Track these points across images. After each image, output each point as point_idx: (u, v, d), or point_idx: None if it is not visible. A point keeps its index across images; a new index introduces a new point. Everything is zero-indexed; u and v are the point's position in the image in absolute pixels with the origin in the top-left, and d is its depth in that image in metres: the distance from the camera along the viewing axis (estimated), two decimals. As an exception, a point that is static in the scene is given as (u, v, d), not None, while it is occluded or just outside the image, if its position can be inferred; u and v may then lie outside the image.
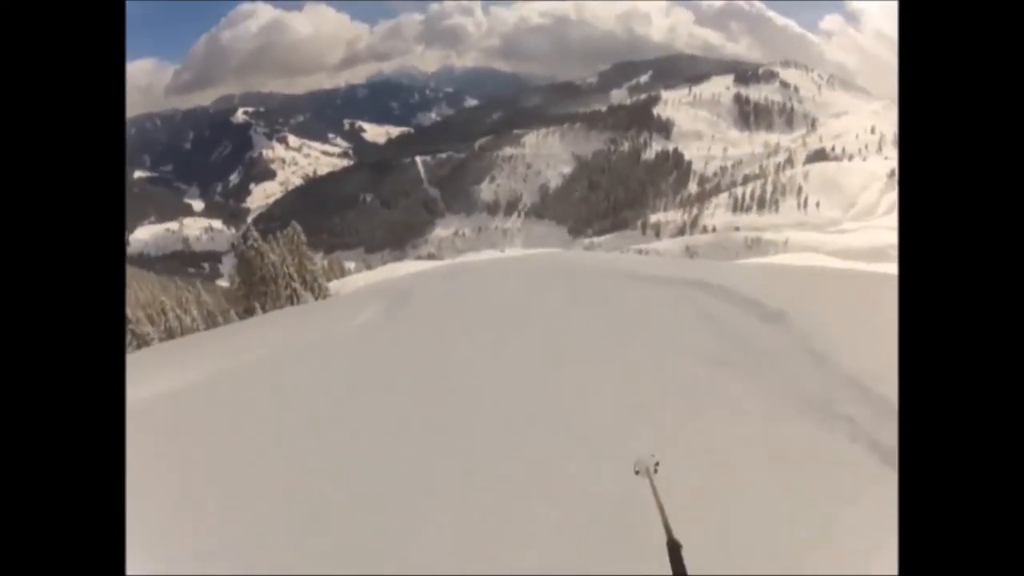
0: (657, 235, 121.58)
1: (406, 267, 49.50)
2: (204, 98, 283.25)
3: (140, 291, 43.41)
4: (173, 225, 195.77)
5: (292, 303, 32.95)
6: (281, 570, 3.96)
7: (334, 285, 41.31)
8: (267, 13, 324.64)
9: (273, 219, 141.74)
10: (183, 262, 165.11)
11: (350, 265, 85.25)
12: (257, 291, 33.17)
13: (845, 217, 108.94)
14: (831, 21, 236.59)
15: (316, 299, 34.33)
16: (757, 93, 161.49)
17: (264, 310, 32.44)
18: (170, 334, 31.97)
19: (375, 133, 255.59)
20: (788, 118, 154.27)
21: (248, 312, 32.34)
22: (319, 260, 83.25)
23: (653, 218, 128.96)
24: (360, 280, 44.32)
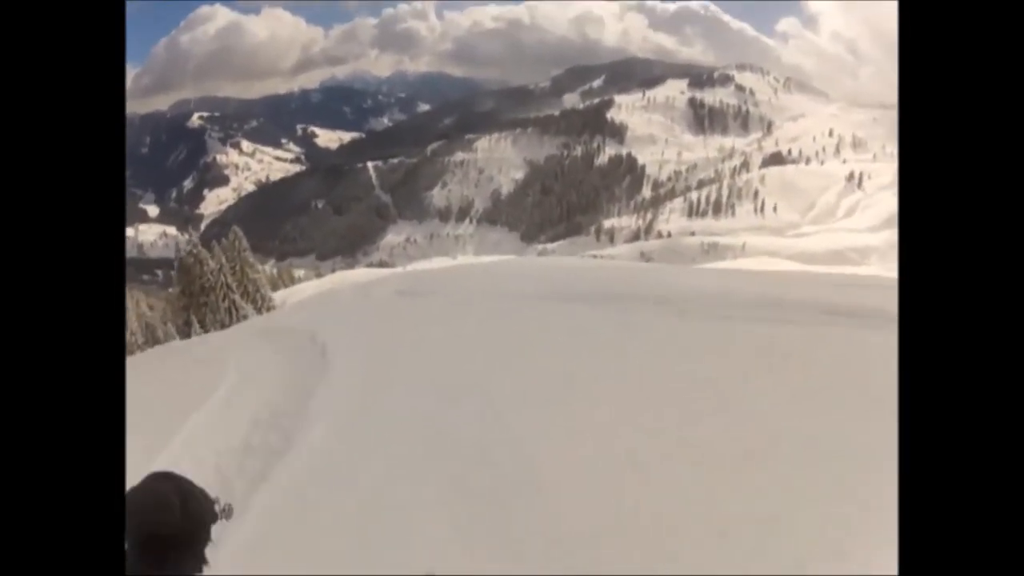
0: (611, 241, 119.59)
1: (355, 275, 47.83)
2: (162, 102, 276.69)
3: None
4: (128, 231, 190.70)
5: (231, 315, 31.25)
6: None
7: (281, 294, 40.19)
8: (225, 16, 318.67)
9: (226, 225, 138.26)
10: (138, 269, 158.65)
11: (300, 273, 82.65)
12: (197, 302, 31.68)
13: (803, 220, 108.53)
14: (787, 24, 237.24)
15: (258, 311, 32.50)
16: (712, 97, 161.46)
17: (203, 324, 30.77)
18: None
19: (327, 138, 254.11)
20: (743, 122, 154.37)
21: (187, 325, 30.86)
22: (269, 268, 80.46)
23: (607, 223, 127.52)
24: (308, 288, 43.06)
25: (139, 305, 35.14)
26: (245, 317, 30.28)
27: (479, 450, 4.80)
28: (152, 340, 31.17)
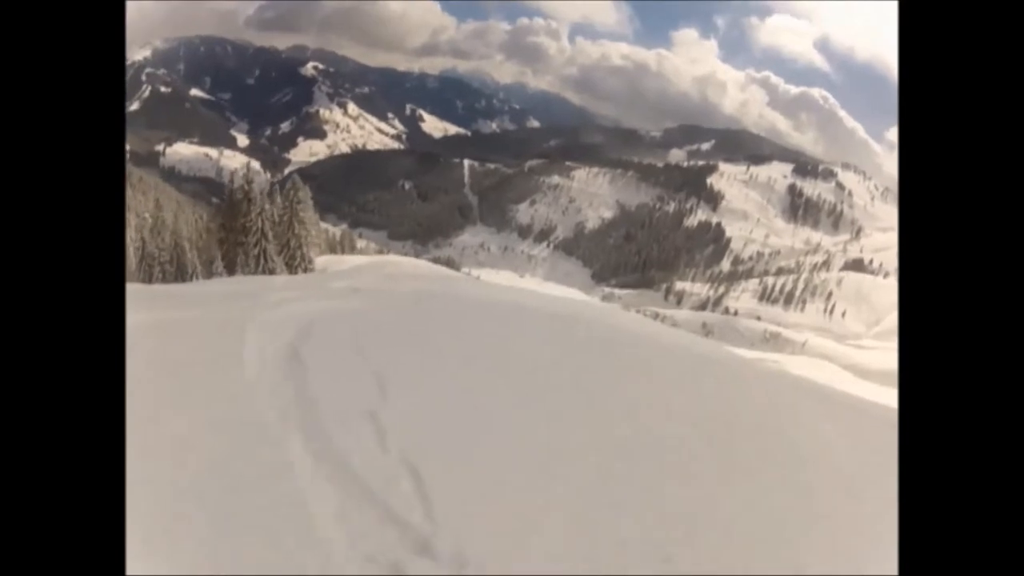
0: (679, 303, 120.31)
1: (404, 263, 43.64)
2: (279, 41, 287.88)
3: (141, 199, 42.93)
4: (213, 152, 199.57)
5: (258, 264, 29.93)
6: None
7: (324, 260, 37.53)
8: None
9: (311, 178, 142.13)
10: (209, 189, 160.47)
11: (362, 244, 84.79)
12: (235, 240, 30.37)
13: (867, 333, 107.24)
14: (895, 134, 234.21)
15: (292, 269, 31.34)
16: (812, 188, 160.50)
17: (229, 266, 29.52)
18: (141, 255, 30.14)
19: (433, 126, 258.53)
20: (836, 220, 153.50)
21: (211, 261, 29.95)
22: (337, 230, 79.92)
23: (679, 285, 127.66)
24: (352, 261, 39.30)
25: (177, 222, 32.51)
26: (272, 271, 29.22)
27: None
28: (177, 264, 30.44)
